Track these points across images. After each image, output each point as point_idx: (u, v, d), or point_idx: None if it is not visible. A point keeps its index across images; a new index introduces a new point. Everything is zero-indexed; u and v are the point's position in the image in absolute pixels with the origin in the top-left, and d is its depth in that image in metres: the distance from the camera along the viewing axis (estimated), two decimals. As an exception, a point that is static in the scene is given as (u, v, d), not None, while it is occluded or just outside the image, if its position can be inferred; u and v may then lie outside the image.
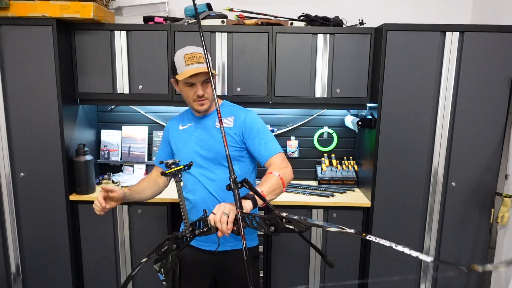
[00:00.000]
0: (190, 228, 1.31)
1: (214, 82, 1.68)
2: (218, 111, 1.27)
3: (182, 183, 1.49)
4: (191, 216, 1.67)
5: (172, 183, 1.76)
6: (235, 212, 1.19)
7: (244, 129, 1.61)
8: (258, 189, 1.34)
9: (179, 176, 1.42)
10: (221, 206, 1.25)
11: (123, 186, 2.48)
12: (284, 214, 1.15)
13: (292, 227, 1.12)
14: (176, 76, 1.58)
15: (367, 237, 1.03)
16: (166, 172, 1.42)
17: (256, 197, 1.29)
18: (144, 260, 1.40)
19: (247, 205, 1.27)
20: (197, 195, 1.63)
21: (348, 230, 1.08)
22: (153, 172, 1.81)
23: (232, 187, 1.19)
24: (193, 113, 1.71)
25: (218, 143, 1.60)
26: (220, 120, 1.28)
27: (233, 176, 1.20)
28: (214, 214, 1.23)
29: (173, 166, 1.42)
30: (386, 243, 0.99)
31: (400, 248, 0.95)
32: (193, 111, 1.69)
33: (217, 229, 1.23)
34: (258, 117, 1.67)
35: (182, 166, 1.44)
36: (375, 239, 1.00)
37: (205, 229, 1.28)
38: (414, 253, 0.95)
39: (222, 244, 1.63)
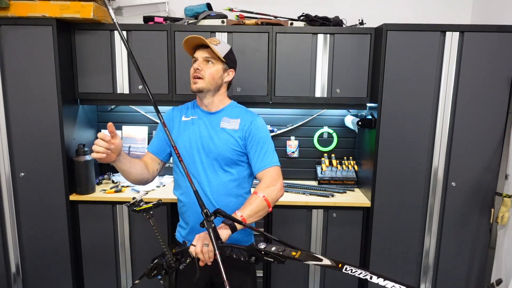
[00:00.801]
0: (174, 259, 1.33)
1: (229, 78, 1.65)
2: (162, 122, 1.31)
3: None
4: (186, 218, 1.65)
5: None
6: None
7: (247, 134, 1.59)
8: (239, 212, 1.37)
9: (151, 212, 1.32)
10: (200, 237, 1.28)
11: (123, 186, 2.49)
12: (262, 246, 1.16)
13: (271, 260, 1.14)
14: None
15: (343, 270, 1.03)
16: (136, 209, 1.29)
17: (236, 223, 1.31)
18: (136, 281, 1.43)
19: (225, 233, 1.29)
20: (191, 198, 1.57)
21: (324, 262, 1.07)
22: (145, 157, 1.68)
23: (206, 225, 1.17)
24: (200, 107, 1.67)
25: (221, 144, 1.58)
26: (169, 134, 1.31)
27: (205, 211, 1.19)
28: (195, 245, 1.26)
29: (142, 204, 1.30)
30: (362, 274, 0.98)
31: (375, 280, 0.95)
32: (199, 104, 1.66)
33: (199, 259, 1.26)
34: (264, 125, 1.65)
35: (151, 205, 1.32)
36: (352, 270, 1.00)
37: (188, 260, 1.31)
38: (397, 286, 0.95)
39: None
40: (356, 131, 2.70)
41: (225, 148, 1.57)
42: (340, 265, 1.03)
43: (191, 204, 1.60)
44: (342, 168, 2.71)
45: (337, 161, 2.76)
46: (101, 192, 2.42)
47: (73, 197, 2.35)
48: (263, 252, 1.15)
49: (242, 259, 1.23)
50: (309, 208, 2.38)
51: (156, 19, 2.42)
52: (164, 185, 2.60)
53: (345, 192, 2.53)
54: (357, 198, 2.44)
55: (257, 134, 1.59)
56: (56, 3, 2.13)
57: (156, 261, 1.35)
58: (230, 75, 1.66)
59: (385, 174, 2.29)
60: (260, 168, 1.56)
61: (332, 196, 2.45)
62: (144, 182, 1.62)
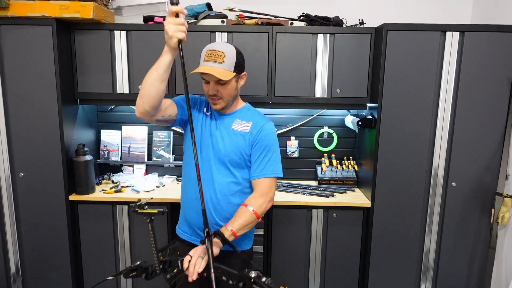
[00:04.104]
0: (160, 266, 1.36)
1: (243, 81, 1.62)
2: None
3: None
4: (186, 214, 1.66)
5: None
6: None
7: (255, 137, 1.58)
8: (229, 226, 1.41)
9: (152, 217, 1.32)
10: (197, 250, 1.35)
11: (123, 187, 2.49)
12: (253, 274, 1.24)
13: None
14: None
15: None
16: (138, 211, 1.30)
17: (225, 237, 1.38)
18: (109, 278, 1.44)
19: (216, 250, 1.36)
20: (192, 193, 1.60)
21: None
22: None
23: (206, 244, 1.28)
24: None
25: (229, 145, 1.58)
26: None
27: (206, 230, 1.29)
28: (191, 256, 1.33)
29: (146, 207, 1.31)
30: None
31: None
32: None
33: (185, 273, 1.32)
34: (274, 132, 1.64)
35: (156, 211, 1.32)
36: None
37: (175, 271, 1.36)
38: None
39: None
40: (356, 131, 2.69)
41: (233, 151, 1.58)
42: None
43: (189, 199, 1.62)
44: (342, 168, 2.71)
45: (337, 161, 2.75)
46: (101, 192, 2.42)
47: (73, 197, 2.35)
48: (252, 280, 1.23)
49: (230, 282, 1.28)
50: (309, 208, 2.37)
51: (156, 19, 2.42)
52: (164, 185, 2.59)
53: (345, 192, 2.53)
54: (357, 198, 2.43)
55: (265, 141, 1.58)
56: (55, 3, 2.12)
57: (139, 263, 1.37)
58: (243, 78, 1.64)
59: (385, 174, 2.29)
60: (258, 175, 1.57)
61: (332, 196, 2.45)
62: (154, 106, 1.50)
